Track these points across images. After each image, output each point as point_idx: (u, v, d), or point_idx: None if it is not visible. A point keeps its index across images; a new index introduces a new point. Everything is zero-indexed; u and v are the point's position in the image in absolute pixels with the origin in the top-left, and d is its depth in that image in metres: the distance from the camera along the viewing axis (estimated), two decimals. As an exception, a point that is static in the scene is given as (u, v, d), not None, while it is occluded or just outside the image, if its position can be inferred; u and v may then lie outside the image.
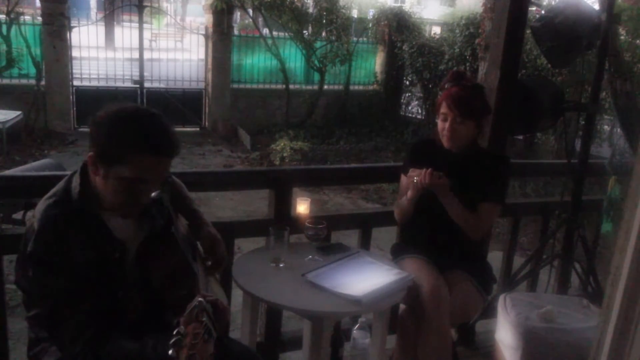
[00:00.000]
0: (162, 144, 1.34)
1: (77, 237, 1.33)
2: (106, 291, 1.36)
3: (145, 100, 9.16)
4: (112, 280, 1.38)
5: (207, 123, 9.89)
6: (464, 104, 2.02)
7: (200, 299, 1.13)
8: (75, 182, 1.38)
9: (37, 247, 1.31)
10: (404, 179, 2.19)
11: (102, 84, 9.47)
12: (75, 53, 9.11)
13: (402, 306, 2.09)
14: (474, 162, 2.11)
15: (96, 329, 1.31)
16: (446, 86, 2.08)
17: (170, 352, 1.02)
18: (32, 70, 8.51)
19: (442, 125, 2.06)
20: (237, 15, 14.00)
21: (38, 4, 9.35)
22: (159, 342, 1.24)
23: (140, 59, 9.02)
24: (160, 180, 1.39)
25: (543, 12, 2.55)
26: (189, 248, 1.51)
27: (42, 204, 1.37)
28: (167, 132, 1.36)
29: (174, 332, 1.04)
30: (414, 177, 2.03)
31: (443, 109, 2.06)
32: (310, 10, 10.19)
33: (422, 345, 1.97)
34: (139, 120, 1.34)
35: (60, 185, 1.41)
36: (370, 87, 11.12)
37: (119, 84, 9.52)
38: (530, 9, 2.89)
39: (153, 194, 1.38)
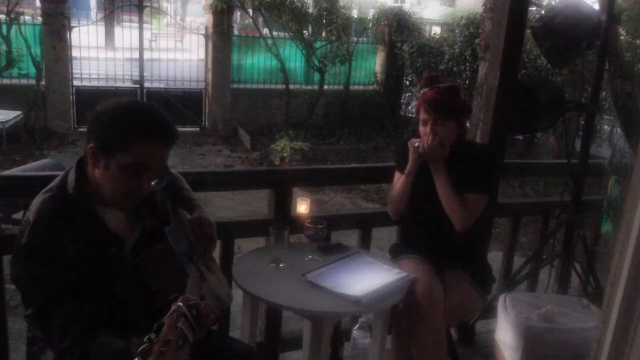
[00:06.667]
0: (163, 130, 1.38)
1: (72, 230, 1.33)
2: (102, 286, 1.35)
3: (145, 100, 9.15)
4: (110, 275, 1.38)
5: (207, 123, 9.89)
6: (441, 105, 2.03)
7: (179, 303, 1.12)
8: (71, 177, 1.40)
9: (30, 240, 1.31)
10: (397, 175, 2.19)
11: (102, 84, 9.47)
12: (75, 53, 9.11)
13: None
14: (459, 156, 2.11)
15: (86, 324, 1.29)
16: (422, 92, 2.09)
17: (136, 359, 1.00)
18: (32, 70, 8.50)
19: (424, 130, 2.07)
20: (237, 15, 13.99)
21: (38, 4, 9.36)
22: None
23: (140, 59, 9.01)
24: (160, 169, 1.41)
25: (543, 12, 2.55)
26: (184, 248, 1.51)
27: (38, 198, 1.38)
28: (166, 121, 1.40)
29: (144, 339, 1.03)
30: (416, 143, 2.06)
31: (422, 114, 2.07)
32: (310, 10, 10.20)
33: (417, 345, 1.97)
34: (139, 110, 1.39)
35: (56, 180, 1.42)
36: (370, 87, 11.12)
37: (119, 84, 9.52)
38: (530, 9, 2.89)
39: (153, 183, 1.39)
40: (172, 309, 1.11)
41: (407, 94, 10.99)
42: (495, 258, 2.68)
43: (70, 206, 1.36)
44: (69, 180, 1.39)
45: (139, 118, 1.36)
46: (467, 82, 8.37)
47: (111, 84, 9.53)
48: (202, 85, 10.01)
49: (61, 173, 1.46)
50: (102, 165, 1.35)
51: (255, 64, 10.38)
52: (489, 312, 2.31)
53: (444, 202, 2.05)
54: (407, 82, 10.77)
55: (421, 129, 2.08)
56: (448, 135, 2.05)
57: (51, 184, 1.42)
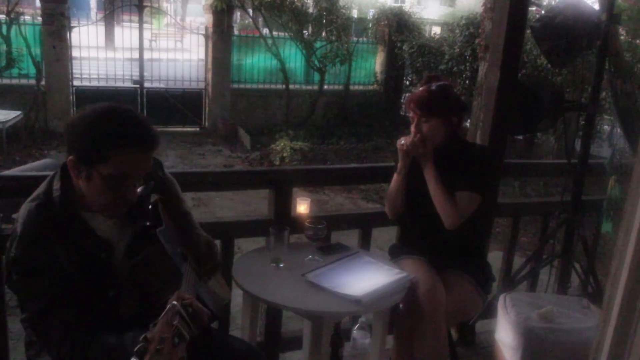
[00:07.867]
0: (142, 137, 1.34)
1: (60, 239, 1.32)
2: (95, 291, 1.35)
3: (145, 100, 9.17)
4: (102, 280, 1.38)
5: (207, 123, 9.89)
6: (424, 104, 2.08)
7: (174, 302, 1.12)
8: (57, 184, 1.38)
9: (19, 252, 1.30)
10: (396, 177, 2.20)
11: (102, 84, 9.48)
12: (75, 53, 9.11)
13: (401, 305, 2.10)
14: (456, 155, 2.12)
15: (84, 328, 1.29)
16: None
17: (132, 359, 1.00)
18: (32, 70, 8.50)
19: (412, 128, 2.13)
20: (237, 15, 14.00)
21: (38, 4, 9.34)
22: (139, 335, 1.20)
23: (140, 59, 9.02)
24: (143, 175, 1.38)
25: (543, 12, 2.55)
26: (178, 249, 1.51)
27: (24, 207, 1.37)
28: (144, 126, 1.35)
29: (140, 339, 1.03)
30: (402, 141, 2.12)
31: (410, 113, 2.13)
32: (310, 10, 10.19)
33: (419, 346, 1.97)
34: (115, 117, 1.33)
35: (41, 187, 1.40)
36: (370, 87, 11.12)
37: (119, 84, 9.52)
38: (530, 9, 2.89)
39: (139, 189, 1.37)
40: (167, 308, 1.11)
41: (407, 94, 10.97)
42: (495, 258, 2.68)
43: (56, 214, 1.34)
44: (55, 188, 1.37)
45: (114, 127, 1.31)
46: (467, 82, 8.37)
47: (111, 84, 9.53)
48: (202, 85, 10.01)
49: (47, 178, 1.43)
50: (84, 176, 1.33)
51: (255, 64, 10.37)
52: (489, 312, 2.31)
53: (433, 199, 2.06)
54: (407, 82, 10.76)
55: (412, 127, 2.13)
56: (433, 132, 2.08)
57: (37, 190, 1.40)
